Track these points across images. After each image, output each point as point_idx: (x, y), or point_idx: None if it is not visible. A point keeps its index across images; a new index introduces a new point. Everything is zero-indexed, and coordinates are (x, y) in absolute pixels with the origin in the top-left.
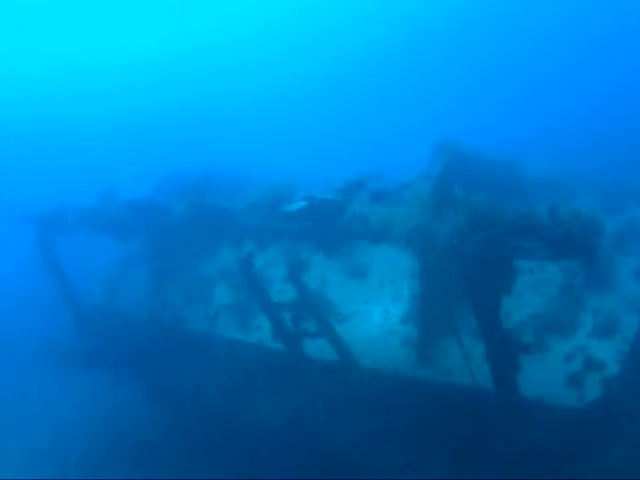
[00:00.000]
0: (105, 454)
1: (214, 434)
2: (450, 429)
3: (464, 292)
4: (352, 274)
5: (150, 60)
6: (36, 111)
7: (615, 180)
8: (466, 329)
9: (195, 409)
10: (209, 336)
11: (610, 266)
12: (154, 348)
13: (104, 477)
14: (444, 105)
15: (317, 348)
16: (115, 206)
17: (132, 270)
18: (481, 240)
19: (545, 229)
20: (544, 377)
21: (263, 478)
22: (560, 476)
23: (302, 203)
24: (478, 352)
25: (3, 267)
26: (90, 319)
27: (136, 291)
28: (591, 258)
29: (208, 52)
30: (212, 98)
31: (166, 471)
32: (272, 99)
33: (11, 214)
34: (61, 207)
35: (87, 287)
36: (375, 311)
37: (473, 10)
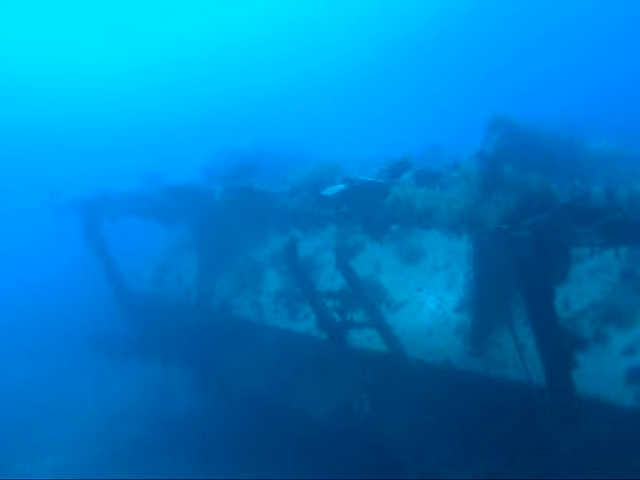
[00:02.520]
0: (155, 440)
1: (262, 422)
2: (502, 425)
3: (516, 281)
4: (406, 258)
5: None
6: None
7: None
8: (521, 319)
9: (243, 397)
10: (257, 324)
11: None
12: (202, 335)
13: (153, 463)
14: (503, 79)
15: (364, 338)
16: (158, 190)
17: (181, 256)
18: (532, 225)
19: (601, 213)
20: (601, 372)
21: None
22: (616, 477)
23: (340, 186)
24: (533, 344)
25: (51, 255)
26: (139, 305)
27: (185, 277)
28: None
29: (254, 42)
30: (266, 79)
31: (214, 458)
32: (326, 80)
33: (52, 201)
34: (106, 192)
35: (137, 273)
36: (428, 299)
37: None
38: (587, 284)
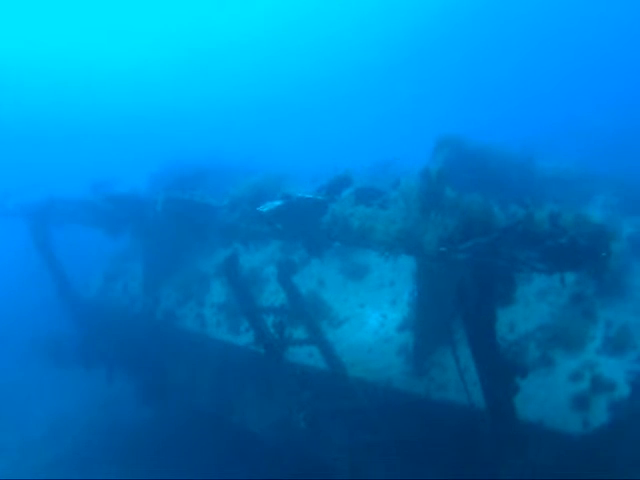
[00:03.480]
0: (99, 446)
1: (203, 433)
2: (443, 449)
3: (455, 304)
4: (351, 274)
5: (161, 57)
6: (33, 104)
7: (636, 181)
8: (464, 341)
9: (185, 407)
10: (200, 335)
11: (625, 273)
12: (146, 344)
13: (98, 468)
14: (456, 102)
15: (304, 354)
16: (101, 199)
17: (130, 264)
18: (471, 248)
19: (545, 238)
20: (546, 397)
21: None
22: None
23: (277, 203)
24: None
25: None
26: (85, 313)
27: (132, 285)
28: (600, 272)
29: (225, 48)
30: (229, 91)
31: (156, 466)
32: (282, 94)
33: (3, 205)
34: (53, 199)
35: (85, 280)
36: (372, 316)
37: (483, 5)
38: (535, 306)
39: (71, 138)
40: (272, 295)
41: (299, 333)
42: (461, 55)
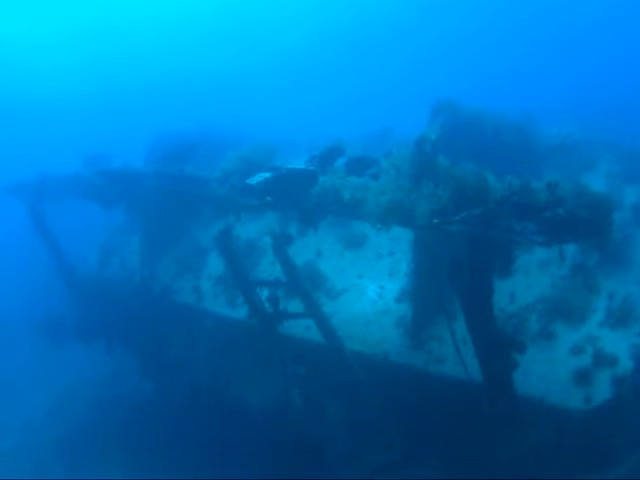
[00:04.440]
0: (100, 422)
1: (202, 407)
2: (442, 424)
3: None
4: (349, 244)
5: (157, 25)
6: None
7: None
8: (461, 313)
9: (183, 381)
10: (197, 309)
11: (628, 243)
12: (144, 318)
13: (100, 444)
14: (456, 71)
15: (300, 327)
16: (94, 174)
17: (126, 238)
18: (465, 219)
19: (543, 209)
20: (547, 372)
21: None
22: None
23: (265, 175)
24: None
25: None
26: (84, 287)
27: (129, 259)
28: (601, 244)
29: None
30: (224, 63)
31: (157, 440)
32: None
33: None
34: (47, 175)
35: (82, 255)
36: (369, 286)
37: None
38: (536, 276)
39: (66, 111)
40: (269, 267)
41: (295, 305)
42: (460, 22)
